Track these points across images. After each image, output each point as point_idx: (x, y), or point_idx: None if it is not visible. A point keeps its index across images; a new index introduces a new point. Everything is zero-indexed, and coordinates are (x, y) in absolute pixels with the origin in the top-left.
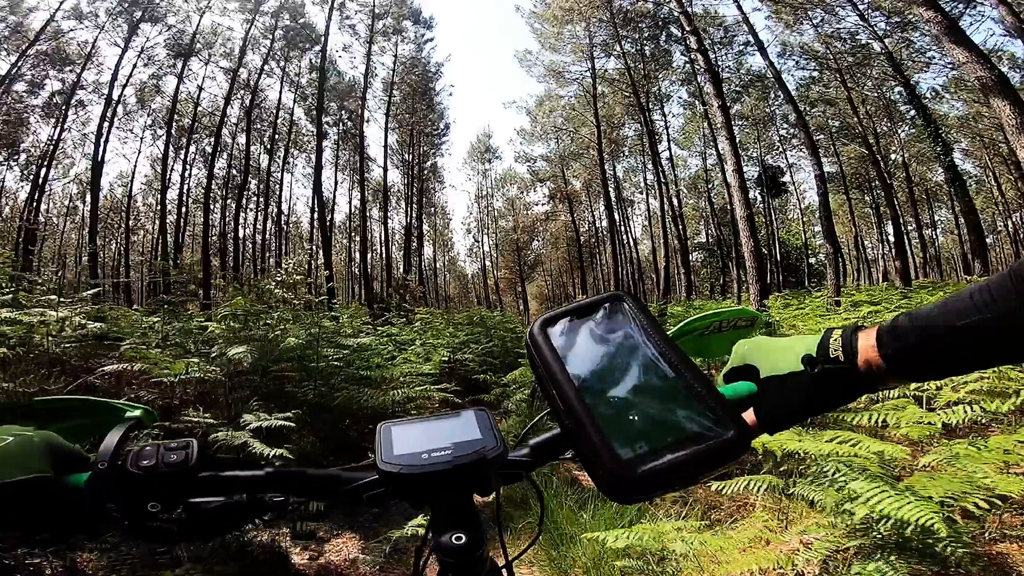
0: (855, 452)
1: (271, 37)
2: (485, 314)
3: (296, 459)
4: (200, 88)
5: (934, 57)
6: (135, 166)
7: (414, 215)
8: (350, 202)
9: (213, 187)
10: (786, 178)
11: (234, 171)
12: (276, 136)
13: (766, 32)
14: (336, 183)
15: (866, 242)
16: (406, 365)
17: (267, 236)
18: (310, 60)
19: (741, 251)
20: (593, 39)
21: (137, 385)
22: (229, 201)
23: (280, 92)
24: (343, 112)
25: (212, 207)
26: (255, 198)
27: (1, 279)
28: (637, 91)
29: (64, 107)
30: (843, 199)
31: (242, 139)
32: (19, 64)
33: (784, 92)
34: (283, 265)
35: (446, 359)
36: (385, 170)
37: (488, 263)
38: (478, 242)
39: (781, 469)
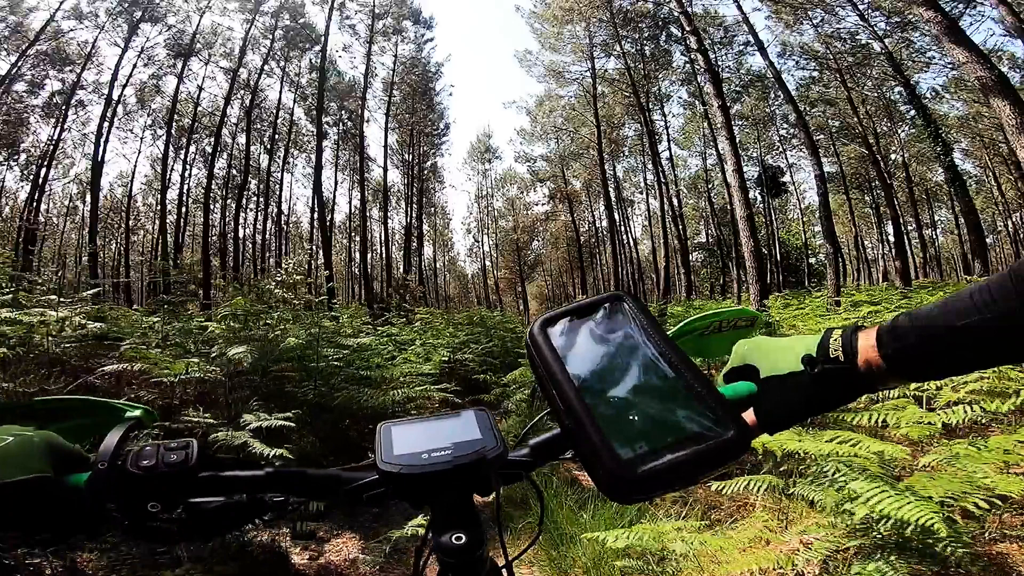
0: (855, 452)
1: (271, 37)
2: (485, 314)
3: (296, 459)
4: (200, 88)
5: (934, 57)
6: (135, 166)
7: (414, 215)
8: (350, 202)
9: (213, 187)
10: (786, 178)
11: (234, 171)
12: (276, 136)
13: (766, 32)
14: (336, 183)
15: (866, 242)
16: (406, 365)
17: (267, 236)
18: (310, 60)
19: (741, 251)
20: (593, 39)
21: (137, 385)
22: (229, 201)
23: (280, 92)
24: (343, 112)
25: (212, 207)
26: (255, 198)
27: (1, 279)
28: (637, 91)
29: (64, 107)
30: (843, 199)
31: (242, 139)
32: (19, 64)
33: (784, 92)
34: (283, 265)
35: (446, 359)
36: (385, 170)
37: (488, 263)
38: (478, 242)
39: (781, 469)
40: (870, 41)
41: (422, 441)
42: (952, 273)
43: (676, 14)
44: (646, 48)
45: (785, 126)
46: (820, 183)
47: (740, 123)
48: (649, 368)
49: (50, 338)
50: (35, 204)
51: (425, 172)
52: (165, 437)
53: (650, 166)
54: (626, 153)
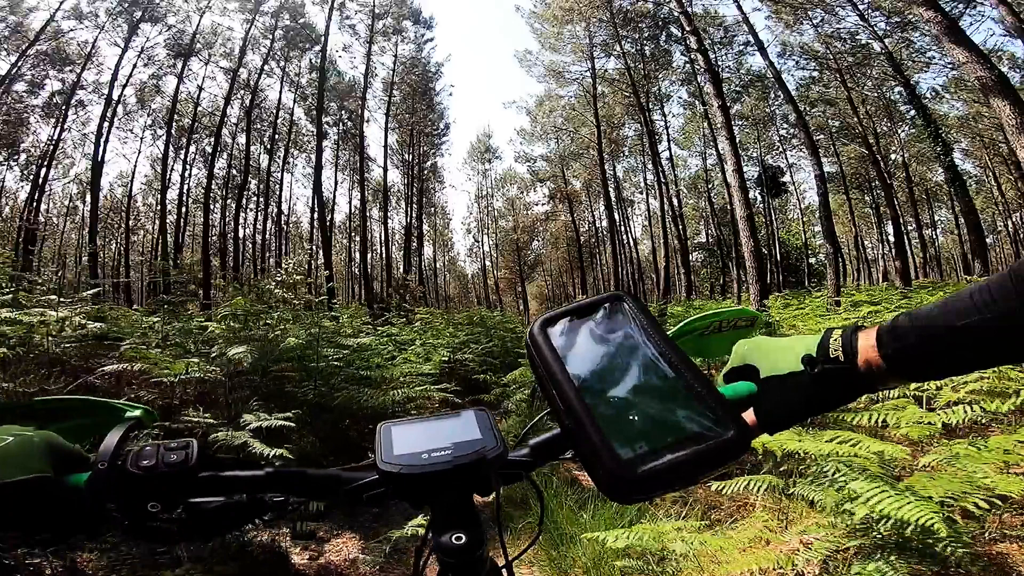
0: (855, 452)
1: (271, 37)
2: (485, 314)
3: (296, 459)
4: (200, 88)
5: (934, 57)
6: (135, 166)
7: (414, 215)
8: (350, 202)
9: (213, 187)
10: (786, 178)
11: (234, 171)
12: (276, 136)
13: (766, 32)
14: (336, 183)
15: (866, 242)
16: (406, 365)
17: (267, 236)
18: (310, 60)
19: (741, 251)
20: (593, 39)
21: (137, 385)
22: (229, 201)
23: (280, 92)
24: (343, 112)
25: (212, 207)
26: (255, 198)
27: (1, 279)
28: (637, 91)
29: (64, 107)
30: (843, 199)
31: (242, 139)
32: (19, 64)
33: (784, 92)
34: (283, 265)
35: (446, 359)
36: (385, 170)
37: (488, 263)
38: (478, 242)
39: (781, 469)
40: (870, 41)
41: (422, 441)
42: (952, 273)
43: (676, 14)
44: (646, 48)
45: (785, 126)
46: (820, 183)
47: (740, 123)
48: (649, 368)
49: (50, 338)
50: (35, 204)
51: (425, 172)
52: (165, 437)
53: (650, 166)
54: (626, 153)
